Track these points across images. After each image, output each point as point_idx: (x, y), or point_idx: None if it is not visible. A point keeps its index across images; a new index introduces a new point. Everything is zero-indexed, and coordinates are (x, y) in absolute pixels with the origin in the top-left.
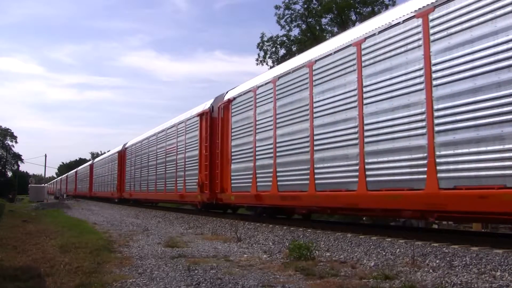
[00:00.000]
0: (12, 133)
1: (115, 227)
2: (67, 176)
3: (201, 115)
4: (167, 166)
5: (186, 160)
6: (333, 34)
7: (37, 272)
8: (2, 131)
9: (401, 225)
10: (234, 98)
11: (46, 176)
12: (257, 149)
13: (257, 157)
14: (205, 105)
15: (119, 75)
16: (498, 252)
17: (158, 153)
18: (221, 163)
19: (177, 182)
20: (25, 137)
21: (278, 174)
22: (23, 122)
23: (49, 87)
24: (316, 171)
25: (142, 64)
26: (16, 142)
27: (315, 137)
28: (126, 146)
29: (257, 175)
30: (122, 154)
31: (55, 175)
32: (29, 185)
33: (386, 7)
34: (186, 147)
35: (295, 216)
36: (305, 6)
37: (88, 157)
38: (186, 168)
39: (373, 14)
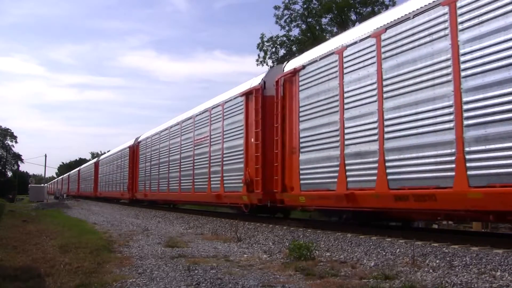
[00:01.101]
0: (12, 133)
1: (115, 227)
2: (69, 175)
3: (247, 94)
4: (196, 161)
5: (225, 152)
6: (333, 34)
7: (37, 272)
8: (2, 131)
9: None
10: (304, 67)
11: (46, 176)
12: (346, 131)
13: (347, 142)
14: (253, 82)
15: (119, 75)
16: (498, 252)
17: (182, 146)
18: (282, 154)
19: (211, 179)
20: (25, 137)
21: (388, 163)
22: (23, 122)
23: (49, 87)
24: (469, 157)
25: (142, 64)
26: (16, 142)
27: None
28: (140, 139)
29: (348, 167)
30: (134, 149)
31: (55, 175)
32: (29, 185)
33: (386, 7)
34: (225, 136)
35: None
36: (305, 6)
37: (88, 157)
38: (224, 162)
39: (373, 14)
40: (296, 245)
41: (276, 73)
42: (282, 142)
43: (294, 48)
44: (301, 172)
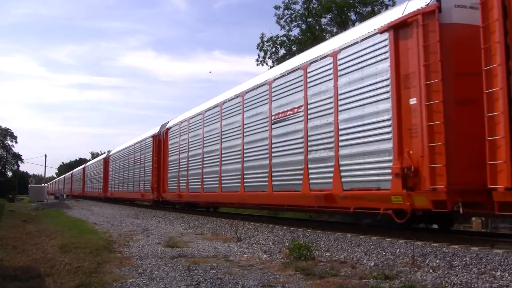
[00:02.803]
0: (12, 133)
1: (115, 227)
2: (72, 174)
3: (398, 27)
4: (275, 146)
5: (343, 126)
6: (333, 34)
7: (37, 272)
8: (2, 131)
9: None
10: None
11: (46, 176)
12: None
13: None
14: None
15: (119, 75)
16: (498, 252)
17: (246, 126)
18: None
19: (310, 171)
20: (25, 137)
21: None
22: (23, 122)
23: (49, 87)
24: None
25: (141, 64)
26: (16, 142)
27: None
28: (170, 125)
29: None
30: (161, 138)
31: (55, 175)
32: (29, 185)
33: (386, 7)
34: (344, 101)
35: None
36: (305, 6)
37: (88, 157)
38: (341, 143)
39: (372, 14)
40: (296, 245)
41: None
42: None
43: (294, 48)
44: None
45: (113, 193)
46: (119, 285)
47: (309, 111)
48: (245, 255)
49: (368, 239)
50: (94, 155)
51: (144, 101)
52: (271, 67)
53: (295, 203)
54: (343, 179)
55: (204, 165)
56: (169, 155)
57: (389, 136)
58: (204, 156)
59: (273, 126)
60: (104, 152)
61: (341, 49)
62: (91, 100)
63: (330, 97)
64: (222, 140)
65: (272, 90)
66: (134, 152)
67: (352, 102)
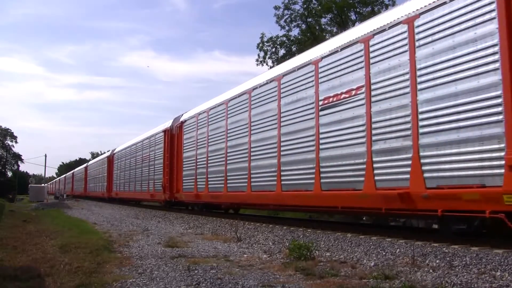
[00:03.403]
0: (12, 133)
1: (115, 227)
2: (73, 173)
3: None
4: (324, 136)
5: (426, 107)
6: (333, 34)
7: (37, 272)
8: (2, 131)
9: (401, 225)
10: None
11: (46, 176)
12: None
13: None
14: None
15: (119, 75)
16: (498, 252)
17: (284, 114)
18: None
19: (375, 165)
20: (25, 137)
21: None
22: (23, 122)
23: (49, 87)
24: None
25: (141, 64)
26: (16, 142)
27: None
28: (185, 118)
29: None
30: (174, 133)
31: (55, 175)
32: (29, 185)
33: (386, 7)
34: (427, 77)
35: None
36: (305, 6)
37: (88, 157)
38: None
39: (372, 14)
40: (296, 245)
41: None
42: None
43: (294, 48)
44: None
45: (118, 193)
46: (119, 285)
47: (373, 93)
48: (245, 255)
49: (368, 239)
50: (94, 155)
51: (144, 101)
52: (271, 67)
53: (353, 204)
54: (425, 174)
55: (228, 161)
56: (184, 151)
57: (499, 117)
58: (229, 151)
59: (321, 113)
60: (104, 152)
61: (421, 14)
62: (91, 100)
63: (403, 74)
64: (252, 132)
65: (320, 70)
66: (142, 149)
67: (438, 77)
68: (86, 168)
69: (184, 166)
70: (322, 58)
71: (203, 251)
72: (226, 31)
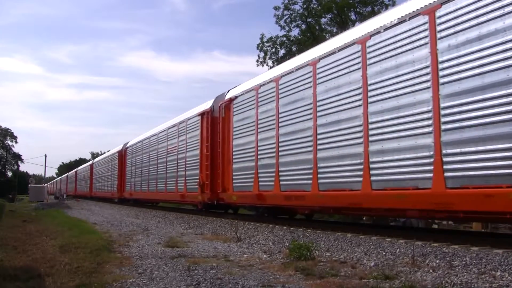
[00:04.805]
0: (12, 133)
1: (115, 227)
2: (76, 172)
3: None
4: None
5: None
6: (333, 34)
7: (37, 272)
8: (2, 131)
9: (401, 225)
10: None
11: (46, 176)
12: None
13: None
14: None
15: (118, 75)
16: (498, 252)
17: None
18: None
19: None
20: (25, 137)
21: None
22: (23, 122)
23: (49, 87)
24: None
25: (141, 64)
26: (16, 142)
27: None
28: (234, 94)
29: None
30: (215, 116)
31: (55, 175)
32: (29, 185)
33: (386, 7)
34: None
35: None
36: (305, 6)
37: (88, 157)
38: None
39: (373, 14)
40: (296, 245)
41: None
42: None
43: (294, 48)
44: None
45: (133, 193)
46: (119, 285)
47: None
48: (245, 255)
49: (368, 239)
50: (94, 155)
51: (144, 101)
52: (271, 67)
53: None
54: None
55: (320, 146)
56: (235, 137)
57: None
58: (319, 132)
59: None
60: (104, 152)
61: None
62: (91, 100)
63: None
64: (372, 101)
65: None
66: (167, 139)
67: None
68: (91, 165)
69: (235, 157)
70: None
71: (203, 251)
72: (226, 31)
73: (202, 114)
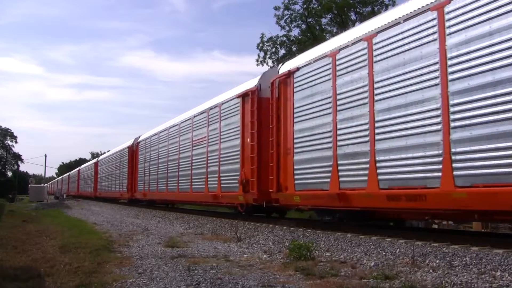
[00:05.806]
0: (12, 133)
1: (115, 227)
2: (78, 171)
3: None
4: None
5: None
6: (333, 34)
7: (37, 272)
8: (2, 131)
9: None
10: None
11: (46, 176)
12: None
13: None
14: None
15: (118, 75)
16: (498, 252)
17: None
18: None
19: None
20: (25, 137)
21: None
22: (23, 122)
23: (49, 87)
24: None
25: (141, 64)
26: (16, 142)
27: None
28: (298, 65)
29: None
30: (279, 88)
31: (55, 175)
32: (29, 185)
33: (386, 7)
34: None
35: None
36: (305, 6)
37: (88, 157)
38: None
39: (373, 14)
40: (296, 245)
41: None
42: None
43: (294, 48)
44: None
45: (148, 193)
46: (119, 285)
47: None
48: (245, 255)
49: (368, 239)
50: (94, 155)
51: (144, 101)
52: (271, 67)
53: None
54: None
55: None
56: (298, 119)
57: None
58: (452, 104)
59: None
60: (104, 152)
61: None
62: (91, 100)
63: None
64: None
65: None
66: (191, 130)
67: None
68: (96, 164)
69: (297, 146)
70: None
71: (203, 251)
72: (225, 31)
73: (243, 96)
